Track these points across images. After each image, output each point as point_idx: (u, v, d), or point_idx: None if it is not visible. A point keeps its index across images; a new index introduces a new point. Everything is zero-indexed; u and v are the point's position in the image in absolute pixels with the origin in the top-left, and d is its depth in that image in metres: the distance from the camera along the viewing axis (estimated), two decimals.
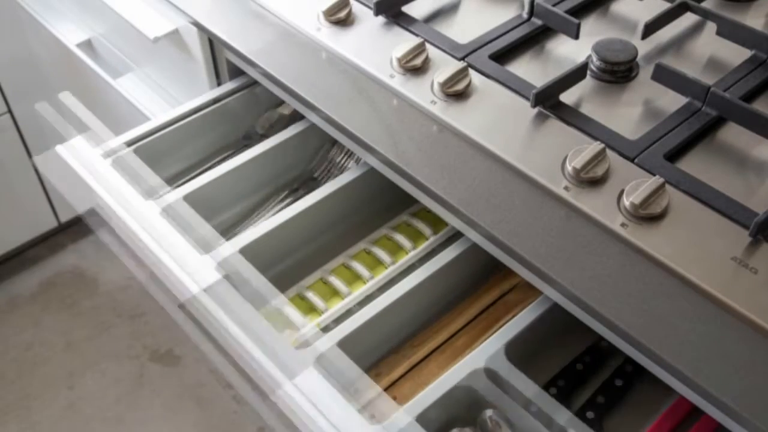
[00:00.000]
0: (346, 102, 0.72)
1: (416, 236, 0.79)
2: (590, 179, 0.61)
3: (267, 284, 0.67)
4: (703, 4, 0.76)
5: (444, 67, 0.71)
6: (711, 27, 0.77)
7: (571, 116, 0.67)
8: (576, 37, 0.73)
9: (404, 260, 0.75)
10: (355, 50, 0.75)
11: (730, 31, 0.73)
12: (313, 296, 0.73)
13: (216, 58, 0.89)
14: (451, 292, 0.74)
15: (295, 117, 0.88)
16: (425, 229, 0.79)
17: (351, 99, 0.72)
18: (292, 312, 0.70)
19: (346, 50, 0.76)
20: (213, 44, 0.87)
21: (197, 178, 0.79)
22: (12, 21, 1.34)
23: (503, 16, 0.79)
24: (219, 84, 0.91)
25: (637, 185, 0.59)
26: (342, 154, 0.87)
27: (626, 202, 0.59)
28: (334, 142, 0.87)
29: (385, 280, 0.74)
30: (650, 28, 0.73)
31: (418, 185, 0.65)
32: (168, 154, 0.85)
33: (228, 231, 0.82)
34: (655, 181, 0.59)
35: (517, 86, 0.70)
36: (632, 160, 0.63)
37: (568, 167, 0.62)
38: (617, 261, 0.57)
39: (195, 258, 0.69)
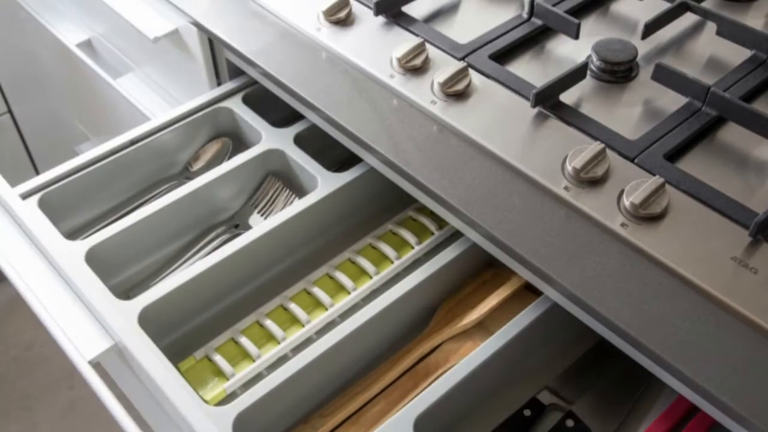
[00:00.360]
0: (346, 102, 0.72)
1: (336, 291, 0.73)
2: (590, 179, 0.61)
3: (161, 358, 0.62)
4: (703, 4, 0.76)
5: (444, 67, 0.71)
6: (711, 27, 0.77)
7: (571, 116, 0.67)
8: (576, 37, 0.73)
9: (322, 317, 0.70)
10: (355, 50, 0.75)
11: (730, 31, 0.73)
12: (220, 360, 0.67)
13: (216, 58, 0.89)
14: (368, 356, 0.69)
15: (232, 152, 0.85)
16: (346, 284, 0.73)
17: (351, 99, 0.72)
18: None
19: (346, 50, 0.76)
20: (213, 44, 0.87)
21: (131, 215, 0.74)
22: (12, 21, 1.34)
23: (503, 16, 0.79)
24: (219, 84, 0.91)
25: (637, 185, 0.59)
26: (282, 190, 0.82)
27: (626, 202, 0.59)
28: (274, 176, 0.83)
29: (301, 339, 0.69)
30: (650, 28, 0.73)
31: (418, 185, 0.65)
32: (100, 190, 0.81)
33: (156, 275, 0.77)
34: (655, 181, 0.59)
35: (517, 86, 0.70)
36: (632, 160, 0.63)
37: (568, 167, 0.62)
38: (617, 261, 0.57)
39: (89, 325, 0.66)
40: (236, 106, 0.85)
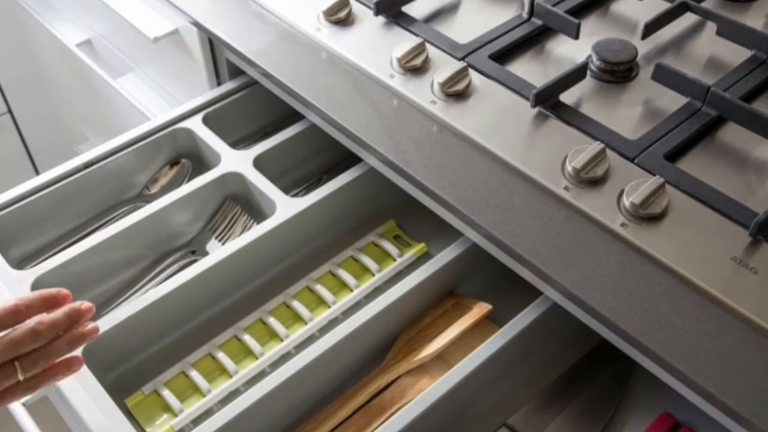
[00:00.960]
0: (346, 102, 0.72)
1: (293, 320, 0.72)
2: (590, 179, 0.61)
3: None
4: (703, 4, 0.75)
5: (444, 67, 0.71)
6: (711, 27, 0.76)
7: (571, 116, 0.67)
8: (576, 37, 0.73)
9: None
10: (355, 50, 0.75)
11: (730, 31, 0.73)
12: (169, 395, 0.65)
13: (216, 58, 0.89)
14: (322, 390, 0.67)
15: (192, 174, 0.83)
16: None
17: (351, 99, 0.72)
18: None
19: (346, 50, 0.76)
20: (213, 44, 0.87)
21: (83, 241, 0.72)
22: (12, 21, 1.34)
23: (503, 16, 0.79)
24: (219, 84, 0.91)
25: (637, 185, 0.59)
26: (241, 214, 0.80)
27: (626, 202, 0.59)
28: (233, 200, 0.81)
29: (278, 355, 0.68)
30: (650, 28, 0.73)
31: (418, 185, 0.65)
32: (52, 215, 0.78)
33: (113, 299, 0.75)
34: (655, 181, 0.59)
35: (517, 86, 0.70)
36: (632, 160, 0.63)
37: (568, 167, 0.62)
38: (617, 261, 0.57)
39: None
40: (196, 126, 0.83)
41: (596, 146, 0.62)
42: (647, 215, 0.58)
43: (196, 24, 0.84)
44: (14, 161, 1.57)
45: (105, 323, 0.65)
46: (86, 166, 0.79)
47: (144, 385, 0.67)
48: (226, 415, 0.59)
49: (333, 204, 0.76)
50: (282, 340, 0.70)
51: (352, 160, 0.77)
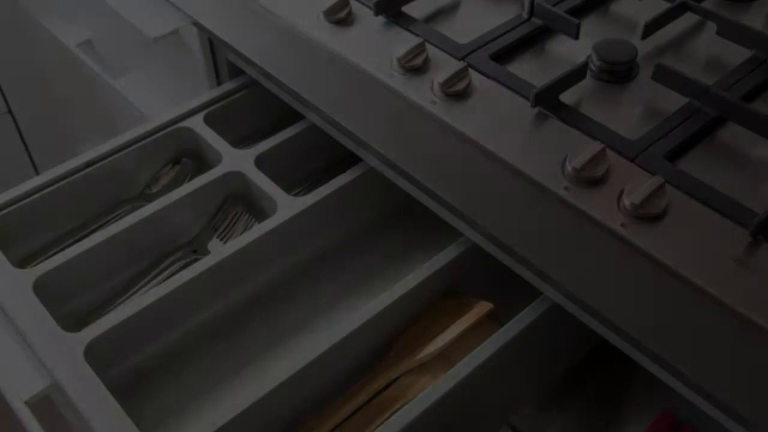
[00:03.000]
0: (346, 102, 0.72)
1: None
2: (590, 179, 0.61)
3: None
4: (703, 4, 0.76)
5: (444, 67, 0.71)
6: (711, 27, 0.77)
7: (571, 116, 0.67)
8: (576, 37, 0.73)
9: None
10: (355, 50, 0.75)
11: (730, 31, 0.73)
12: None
13: (216, 58, 0.89)
14: (321, 391, 0.66)
15: (194, 173, 0.83)
16: None
17: (351, 99, 0.72)
18: None
19: (346, 50, 0.76)
20: (213, 44, 0.87)
21: (85, 240, 0.71)
22: (12, 21, 1.34)
23: (503, 16, 0.79)
24: (219, 84, 0.91)
25: (637, 185, 0.59)
26: (242, 213, 0.79)
27: (626, 201, 0.59)
28: (234, 199, 0.80)
29: None
30: (650, 28, 0.73)
31: (418, 185, 0.65)
32: (54, 214, 0.78)
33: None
34: (655, 181, 0.59)
35: (517, 86, 0.70)
36: (632, 160, 0.63)
37: (568, 167, 0.62)
38: (617, 261, 0.57)
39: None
40: (197, 126, 0.82)
41: (596, 146, 0.62)
42: (647, 215, 0.58)
43: (196, 24, 0.84)
44: (14, 161, 1.57)
45: (106, 323, 0.65)
46: (87, 165, 0.79)
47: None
48: (227, 414, 0.59)
49: (334, 203, 0.76)
50: None
51: (352, 160, 0.77)
